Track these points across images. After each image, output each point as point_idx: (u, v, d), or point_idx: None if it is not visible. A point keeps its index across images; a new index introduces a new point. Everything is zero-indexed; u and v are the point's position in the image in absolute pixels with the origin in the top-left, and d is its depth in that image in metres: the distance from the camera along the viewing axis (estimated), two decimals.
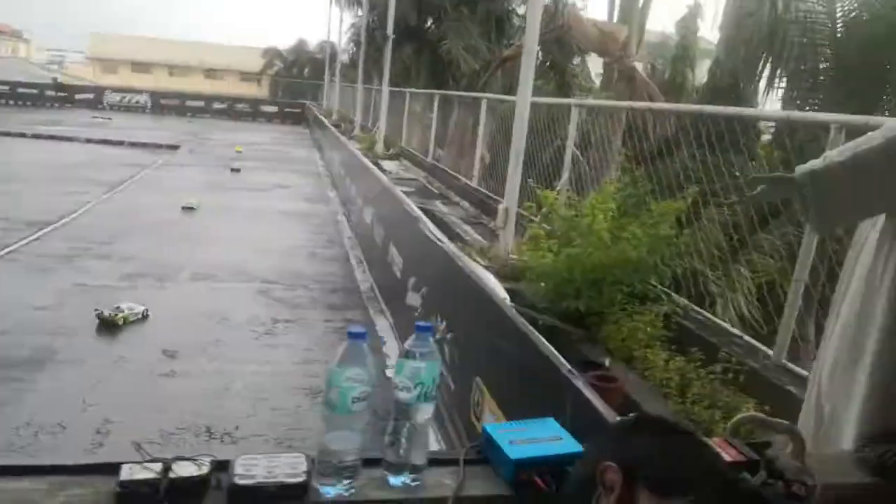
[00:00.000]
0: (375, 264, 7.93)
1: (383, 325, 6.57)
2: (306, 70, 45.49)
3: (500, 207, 5.29)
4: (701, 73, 12.44)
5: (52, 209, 9.77)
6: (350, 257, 9.03)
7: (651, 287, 4.04)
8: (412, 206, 6.24)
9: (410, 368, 1.25)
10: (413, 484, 1.26)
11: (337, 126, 18.68)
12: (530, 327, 3.17)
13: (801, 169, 1.70)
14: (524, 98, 4.94)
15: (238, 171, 14.83)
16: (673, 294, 4.13)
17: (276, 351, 5.72)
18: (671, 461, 1.05)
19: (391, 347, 5.92)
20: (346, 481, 1.21)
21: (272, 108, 32.50)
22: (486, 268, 5.24)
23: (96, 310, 5.66)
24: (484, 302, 3.78)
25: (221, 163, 16.09)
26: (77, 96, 30.44)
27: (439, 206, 8.76)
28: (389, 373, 1.17)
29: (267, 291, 7.30)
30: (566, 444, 1.36)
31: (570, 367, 2.77)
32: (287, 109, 32.39)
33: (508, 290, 4.63)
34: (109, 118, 25.96)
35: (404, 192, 8.14)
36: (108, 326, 5.57)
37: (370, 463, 1.27)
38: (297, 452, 1.24)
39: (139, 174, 13.90)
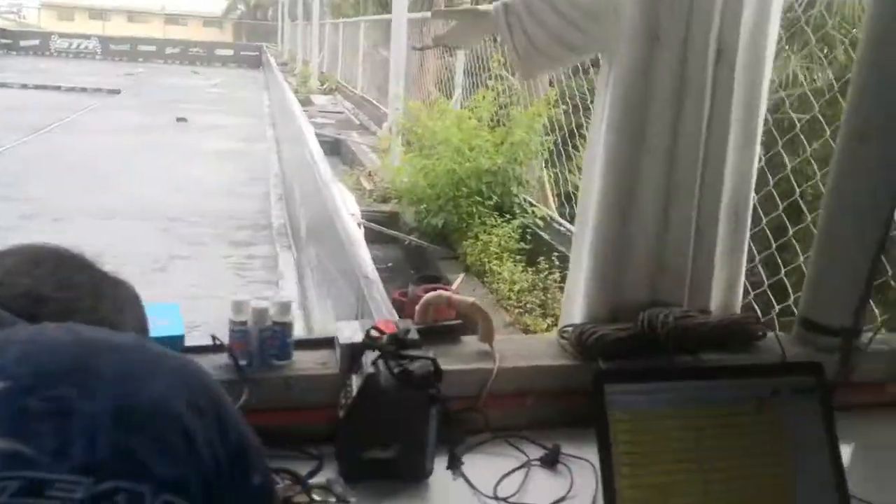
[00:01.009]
0: (289, 200, 7.69)
1: (286, 260, 6.36)
2: (270, 12, 44.11)
3: (384, 125, 5.04)
4: None
5: None
6: (271, 195, 8.76)
7: (517, 199, 3.85)
8: (309, 138, 5.95)
9: None
10: None
11: (284, 65, 18.11)
12: (350, 240, 3.00)
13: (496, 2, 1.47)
14: (399, 15, 4.65)
15: (185, 120, 14.09)
16: (540, 206, 3.95)
17: (163, 288, 5.49)
18: None
19: (289, 281, 5.73)
20: None
21: (228, 52, 31.61)
22: (371, 191, 5.03)
23: None
24: (330, 222, 3.61)
25: (162, 107, 15.56)
26: (22, 43, 29.32)
27: (354, 137, 8.47)
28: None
29: (170, 229, 7.05)
30: (167, 328, 1.19)
31: (367, 275, 2.63)
32: (243, 53, 31.50)
33: (391, 213, 4.43)
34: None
35: (324, 125, 7.86)
36: None
37: None
38: None
39: (68, 118, 13.40)
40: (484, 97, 4.10)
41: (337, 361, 1.25)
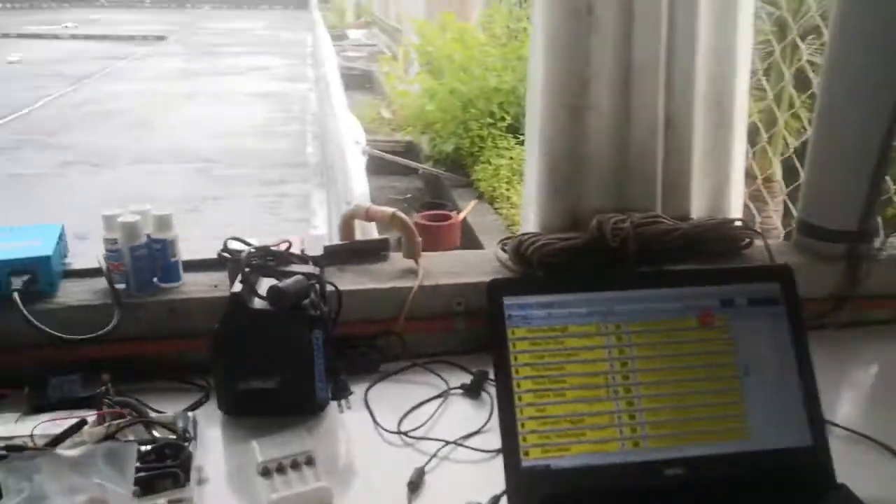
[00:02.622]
0: (323, 138, 7.57)
1: (319, 197, 6.27)
2: None
3: (400, 49, 4.79)
4: None
5: (10, 104, 9.54)
6: (307, 133, 8.63)
7: None
8: (328, 71, 5.75)
9: None
10: None
11: (325, 1, 17.78)
12: (344, 169, 2.85)
13: None
14: None
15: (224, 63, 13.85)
16: None
17: (195, 228, 5.47)
18: None
19: (321, 217, 5.64)
20: None
21: None
22: (389, 121, 4.84)
23: None
24: (338, 153, 3.46)
25: (206, 52, 15.54)
26: None
27: (384, 68, 8.21)
28: None
29: (205, 171, 7.04)
30: (35, 248, 1.07)
31: (348, 202, 2.49)
32: None
33: (407, 142, 4.26)
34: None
35: (356, 58, 7.64)
36: None
37: None
38: None
39: (113, 66, 13.51)
40: (498, 10, 3.80)
41: (228, 283, 1.10)
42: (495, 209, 3.28)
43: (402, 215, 1.23)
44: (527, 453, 0.83)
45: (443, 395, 1.05)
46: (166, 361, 1.08)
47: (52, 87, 10.84)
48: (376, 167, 4.52)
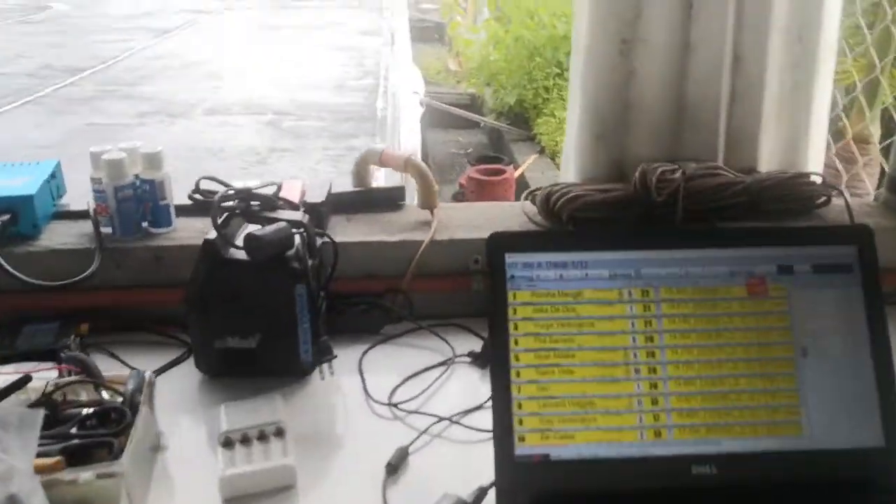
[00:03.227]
0: (396, 91, 7.45)
1: None
2: None
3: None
4: None
5: (95, 55, 9.82)
6: (379, 87, 8.52)
7: None
8: (402, 23, 5.59)
9: None
10: None
11: None
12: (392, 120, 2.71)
13: None
14: None
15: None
16: None
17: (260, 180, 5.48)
18: None
19: (382, 173, 5.55)
20: None
21: None
22: (456, 73, 4.68)
23: None
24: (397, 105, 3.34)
25: (285, 6, 15.59)
26: None
27: (457, 19, 7.97)
28: None
29: (275, 123, 7.05)
30: (19, 187, 1.02)
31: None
32: None
33: (472, 95, 4.10)
34: None
35: (430, 10, 7.45)
36: None
37: None
38: None
39: (194, 20, 13.72)
40: None
41: None
42: (557, 165, 3.09)
43: (417, 160, 1.10)
44: (522, 439, 0.70)
45: (447, 363, 0.93)
46: (150, 313, 0.99)
47: (135, 41, 11.09)
48: (438, 121, 4.38)
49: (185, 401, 0.87)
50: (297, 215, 0.87)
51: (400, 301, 1.02)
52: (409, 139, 2.57)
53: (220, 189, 0.89)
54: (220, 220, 0.84)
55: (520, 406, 0.71)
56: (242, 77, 8.91)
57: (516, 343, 0.72)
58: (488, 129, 3.98)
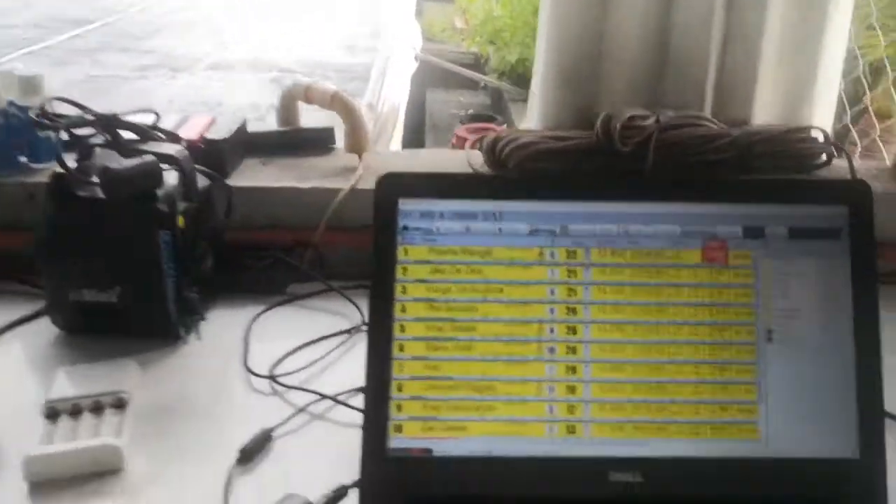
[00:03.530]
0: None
1: None
2: None
3: None
4: None
5: (104, 7, 9.69)
6: (392, 49, 8.32)
7: None
8: None
9: None
10: None
11: None
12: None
13: None
14: None
15: None
16: None
17: None
18: None
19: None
20: None
21: None
22: (461, 31, 4.49)
23: None
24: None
25: None
26: None
27: None
28: None
29: (279, 80, 6.87)
30: None
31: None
32: None
33: (475, 54, 3.92)
34: None
35: None
36: None
37: None
38: None
39: None
40: None
41: None
42: None
43: (345, 96, 0.95)
44: (399, 428, 0.56)
45: (351, 331, 0.78)
46: (17, 258, 0.85)
47: None
48: (440, 80, 4.20)
49: (36, 359, 0.74)
50: (174, 149, 0.72)
51: (309, 257, 0.87)
52: (392, 94, 2.42)
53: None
54: (66, 152, 0.69)
55: (400, 388, 0.56)
56: (249, 34, 8.74)
57: (403, 310, 0.57)
58: (491, 90, 3.81)
